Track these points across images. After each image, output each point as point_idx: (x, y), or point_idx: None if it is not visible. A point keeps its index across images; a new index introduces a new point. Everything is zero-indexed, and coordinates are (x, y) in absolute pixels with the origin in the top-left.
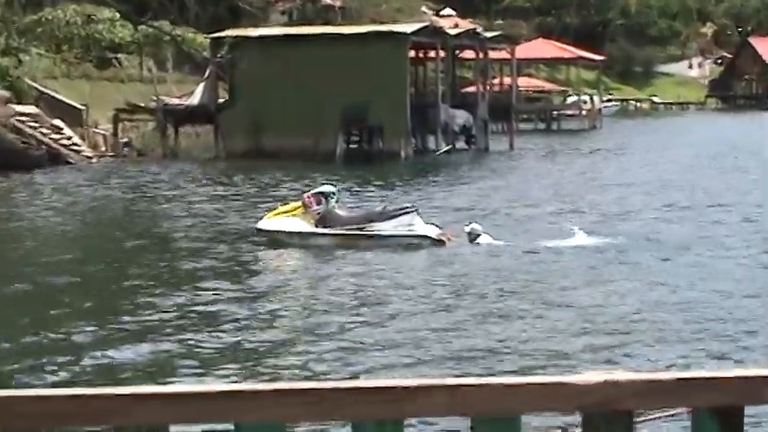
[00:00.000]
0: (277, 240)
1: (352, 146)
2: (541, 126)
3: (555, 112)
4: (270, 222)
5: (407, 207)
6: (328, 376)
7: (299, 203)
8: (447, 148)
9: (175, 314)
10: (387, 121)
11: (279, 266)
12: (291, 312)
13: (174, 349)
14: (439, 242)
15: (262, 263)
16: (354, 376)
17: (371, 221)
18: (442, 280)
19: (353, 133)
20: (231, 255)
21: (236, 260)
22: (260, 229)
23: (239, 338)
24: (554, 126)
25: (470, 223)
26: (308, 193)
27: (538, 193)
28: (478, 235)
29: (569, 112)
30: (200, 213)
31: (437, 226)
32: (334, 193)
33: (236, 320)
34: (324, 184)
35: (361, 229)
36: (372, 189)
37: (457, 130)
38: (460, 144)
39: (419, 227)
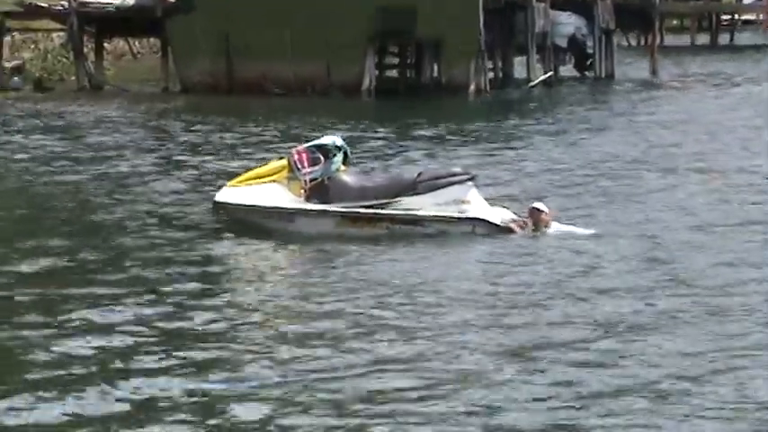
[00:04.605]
0: (244, 221)
1: (388, 74)
2: (703, 39)
3: (726, 17)
4: (234, 192)
5: (458, 173)
6: None
7: (283, 163)
8: (546, 75)
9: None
10: (446, 33)
11: (240, 269)
12: (257, 359)
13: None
14: (506, 231)
15: (213, 263)
16: None
17: (399, 195)
18: (508, 300)
19: (391, 53)
20: (164, 249)
21: (170, 258)
22: (218, 204)
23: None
24: (723, 39)
25: (535, 202)
26: (298, 148)
27: (679, 156)
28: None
29: (749, 16)
30: (129, 183)
31: (509, 209)
32: (339, 148)
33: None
34: (326, 135)
35: (381, 207)
36: (414, 144)
37: (562, 46)
38: (568, 68)
39: (475, 206)
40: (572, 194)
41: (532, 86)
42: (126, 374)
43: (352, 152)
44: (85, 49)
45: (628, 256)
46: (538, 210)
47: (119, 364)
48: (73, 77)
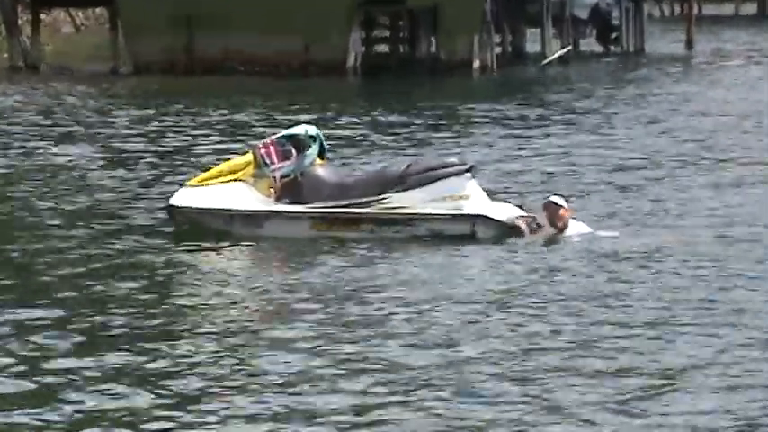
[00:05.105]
0: (205, 227)
1: (377, 50)
2: (748, 8)
3: None
4: (192, 194)
5: (453, 164)
6: None
7: (248, 158)
8: (563, 51)
9: None
10: (443, 1)
11: (203, 284)
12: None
13: None
14: (513, 230)
15: (167, 272)
16: None
17: (385, 191)
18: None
19: (380, 25)
20: (109, 255)
21: (116, 265)
22: (174, 208)
23: None
24: None
25: (552, 195)
26: (265, 140)
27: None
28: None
29: None
30: (75, 182)
31: (517, 205)
32: (314, 139)
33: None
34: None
35: (365, 206)
36: (405, 131)
37: (583, 17)
38: (589, 42)
39: (475, 201)
40: (590, 190)
41: (547, 64)
42: (76, 389)
43: (330, 142)
44: (19, 22)
45: (653, 262)
46: (555, 204)
47: (63, 380)
48: (5, 54)
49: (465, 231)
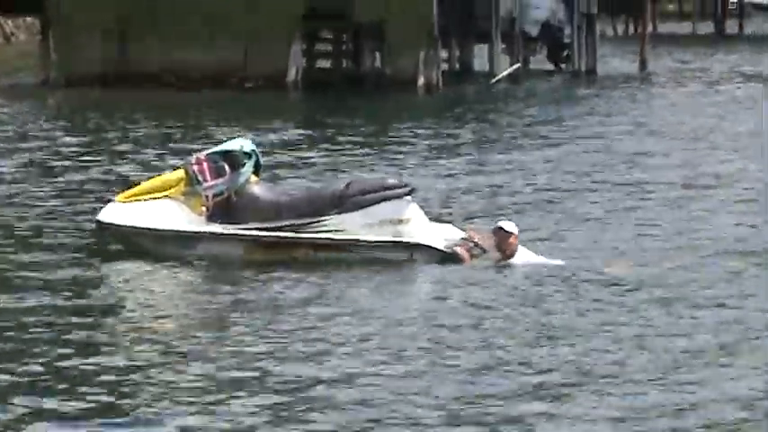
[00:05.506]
0: (133, 246)
1: (319, 65)
2: (706, 27)
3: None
4: (121, 210)
5: (393, 186)
6: None
7: (179, 174)
8: (512, 68)
9: None
10: (390, 15)
11: (128, 297)
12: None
13: None
14: (452, 257)
15: (93, 290)
16: None
17: (322, 212)
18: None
19: (323, 39)
20: (36, 271)
21: (43, 283)
22: (103, 224)
23: None
24: (731, 28)
25: (502, 220)
26: (198, 156)
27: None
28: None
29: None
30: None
31: (459, 227)
32: (249, 155)
33: None
34: (234, 138)
35: (298, 229)
36: (345, 149)
37: (533, 34)
38: (540, 60)
39: (414, 225)
40: (536, 215)
41: (496, 82)
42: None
43: (265, 159)
44: None
45: (596, 291)
46: (504, 230)
47: None
48: None
49: (403, 258)
